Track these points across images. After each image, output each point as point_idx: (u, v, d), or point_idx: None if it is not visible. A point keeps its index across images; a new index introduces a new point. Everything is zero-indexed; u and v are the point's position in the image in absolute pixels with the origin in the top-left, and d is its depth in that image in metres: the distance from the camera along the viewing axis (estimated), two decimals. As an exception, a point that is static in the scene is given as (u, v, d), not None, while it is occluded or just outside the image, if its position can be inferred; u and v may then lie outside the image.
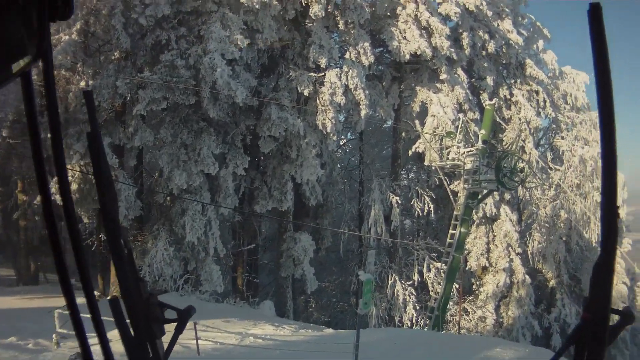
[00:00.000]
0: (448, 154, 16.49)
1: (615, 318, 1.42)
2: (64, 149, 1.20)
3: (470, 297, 21.59)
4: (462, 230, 15.99)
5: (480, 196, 16.74)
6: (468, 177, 16.01)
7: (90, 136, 1.32)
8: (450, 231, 16.30)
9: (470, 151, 16.00)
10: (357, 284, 10.54)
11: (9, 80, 0.91)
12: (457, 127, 17.48)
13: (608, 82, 1.16)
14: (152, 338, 1.44)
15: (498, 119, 19.24)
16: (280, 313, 19.64)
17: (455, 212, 16.31)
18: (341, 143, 25.51)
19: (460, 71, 20.70)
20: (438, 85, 20.16)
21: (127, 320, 1.37)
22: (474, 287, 21.97)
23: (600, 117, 1.16)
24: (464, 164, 15.93)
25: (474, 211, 17.74)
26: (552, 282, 24.14)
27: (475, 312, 21.18)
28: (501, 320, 22.01)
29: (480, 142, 16.17)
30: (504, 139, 20.74)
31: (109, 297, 1.48)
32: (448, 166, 16.71)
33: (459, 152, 16.16)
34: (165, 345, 1.48)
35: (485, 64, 21.44)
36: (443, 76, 19.75)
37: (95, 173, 1.36)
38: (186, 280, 17.96)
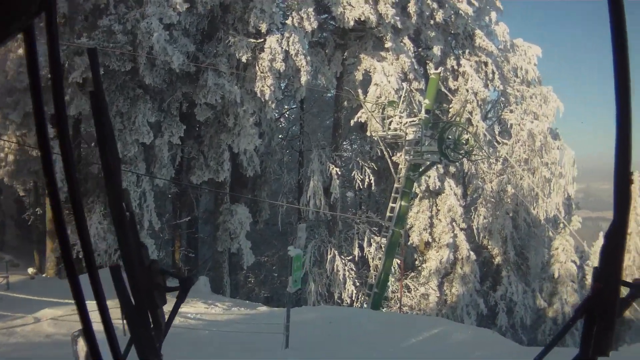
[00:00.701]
0: (390, 124, 16.46)
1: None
2: (65, 110, 1.23)
3: (412, 274, 21.85)
4: (403, 203, 15.97)
5: (422, 168, 16.74)
6: (410, 149, 15.98)
7: (93, 95, 1.32)
8: (391, 204, 16.28)
9: (413, 121, 15.95)
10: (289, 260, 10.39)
11: (11, 36, 0.94)
12: (400, 96, 17.46)
13: (625, 51, 1.18)
14: (153, 307, 1.44)
15: (444, 90, 19.30)
16: (217, 289, 19.51)
17: (396, 185, 16.28)
18: (282, 112, 25.35)
19: (406, 40, 20.74)
20: (383, 53, 20.17)
21: (128, 289, 1.36)
22: (416, 263, 22.22)
23: (616, 79, 1.19)
24: (406, 134, 15.90)
25: (415, 184, 17.86)
26: (498, 259, 24.69)
27: (417, 289, 21.47)
28: (445, 297, 22.42)
29: (423, 112, 16.14)
30: (450, 110, 20.91)
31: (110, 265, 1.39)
32: (389, 137, 16.65)
33: (401, 122, 16.13)
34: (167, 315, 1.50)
35: (433, 34, 21.49)
36: (388, 44, 19.76)
37: (97, 132, 1.34)
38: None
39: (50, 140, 1.14)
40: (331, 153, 20.61)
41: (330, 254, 19.88)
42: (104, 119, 1.32)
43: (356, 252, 20.33)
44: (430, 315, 20.79)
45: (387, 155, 17.33)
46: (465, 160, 19.08)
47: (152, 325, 1.42)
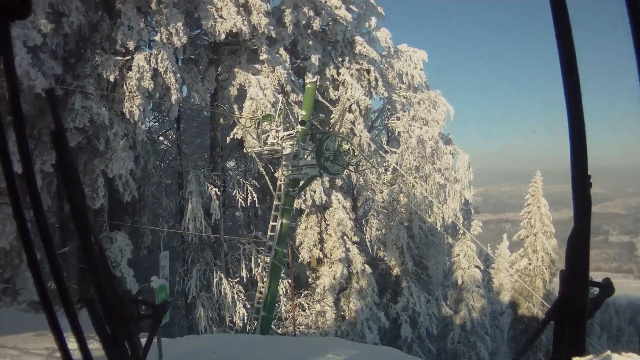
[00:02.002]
0: (266, 138, 16.62)
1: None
2: (30, 151, 1.40)
3: (306, 292, 22.42)
4: (284, 221, 16.15)
5: (301, 183, 16.90)
6: (288, 163, 16.16)
7: (54, 134, 1.41)
8: (271, 223, 16.41)
9: (290, 134, 16.16)
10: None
11: None
12: (277, 110, 17.78)
13: (573, 59, 1.29)
14: (129, 336, 1.55)
15: (323, 100, 20.08)
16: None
17: (275, 202, 16.44)
18: (159, 133, 25.52)
19: (282, 51, 21.35)
20: (258, 66, 20.67)
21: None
22: (309, 280, 22.80)
23: (566, 88, 1.30)
24: (283, 148, 16.07)
25: (296, 200, 18.42)
26: (396, 270, 25.75)
27: (312, 306, 22.08)
28: (343, 314, 23.14)
29: (299, 123, 16.46)
30: (331, 121, 21.68)
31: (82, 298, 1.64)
32: (266, 152, 16.77)
33: (277, 137, 16.29)
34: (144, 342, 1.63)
35: (311, 43, 22.28)
36: (263, 56, 20.20)
37: (61, 171, 1.43)
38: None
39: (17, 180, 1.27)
40: (209, 173, 20.94)
41: (217, 277, 20.21)
42: (67, 157, 1.41)
43: (244, 273, 20.73)
44: (326, 335, 21.44)
45: (263, 172, 17.66)
46: (348, 171, 19.82)
47: (129, 354, 1.53)
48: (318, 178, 18.86)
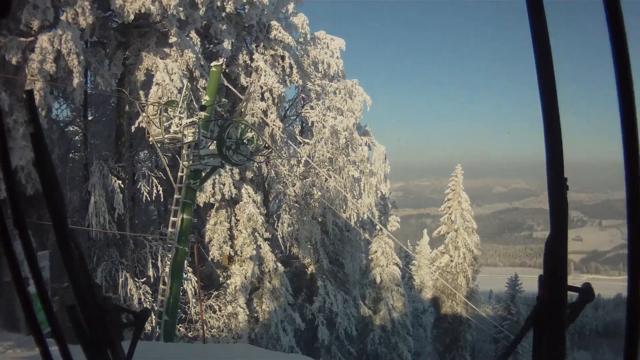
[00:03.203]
0: (169, 126, 16.16)
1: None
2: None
3: (216, 292, 22.13)
4: (185, 216, 15.63)
5: (203, 175, 16.44)
6: (189, 153, 15.61)
7: (34, 136, 1.38)
8: (172, 218, 15.88)
9: (193, 121, 15.61)
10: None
11: None
12: (182, 95, 17.32)
13: (548, 61, 1.30)
14: (111, 343, 1.55)
15: (234, 89, 19.81)
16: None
17: (175, 196, 15.80)
18: (67, 121, 24.65)
19: (193, 34, 21.06)
20: (167, 50, 20.31)
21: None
22: (221, 279, 22.56)
23: (541, 90, 1.32)
24: (184, 136, 15.53)
25: (205, 194, 18.18)
26: (311, 268, 25.87)
27: (224, 308, 21.83)
28: (256, 315, 23.06)
29: (199, 109, 15.96)
30: (242, 110, 21.46)
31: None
32: (167, 141, 16.20)
33: (180, 124, 15.74)
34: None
35: (224, 26, 22.06)
36: (173, 39, 19.90)
37: (40, 175, 1.43)
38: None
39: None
40: (114, 164, 20.42)
41: (122, 277, 19.74)
42: (46, 160, 1.43)
43: (151, 272, 20.32)
44: (239, 338, 21.36)
45: (164, 162, 17.29)
46: (257, 163, 19.69)
47: None
48: (222, 169, 18.61)
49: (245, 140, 15.24)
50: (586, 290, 1.60)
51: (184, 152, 15.91)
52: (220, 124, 16.02)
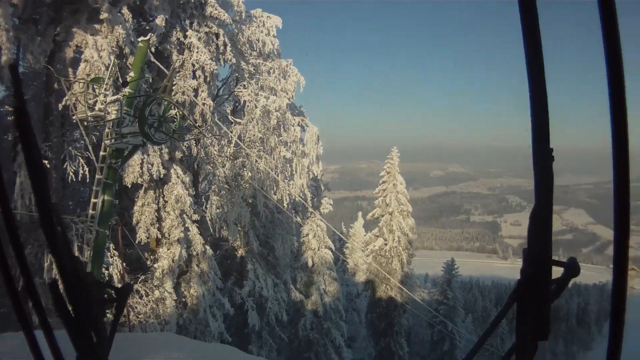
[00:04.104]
0: (95, 103, 15.87)
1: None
2: None
3: (144, 276, 22.13)
4: (106, 197, 15.37)
5: (125, 154, 16.10)
6: (111, 131, 15.37)
7: (16, 112, 1.39)
8: (92, 200, 15.58)
9: (117, 98, 15.48)
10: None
11: None
12: (109, 72, 17.21)
13: (535, 34, 1.33)
14: (93, 320, 1.59)
15: (158, 64, 19.82)
16: None
17: (97, 176, 15.52)
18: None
19: (125, 10, 20.92)
20: (97, 26, 20.16)
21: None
22: (148, 262, 22.65)
23: (528, 61, 1.34)
24: (108, 113, 15.41)
25: (132, 174, 18.12)
26: (241, 252, 26.17)
27: (151, 293, 21.85)
28: (184, 300, 23.23)
29: (128, 86, 15.74)
30: (167, 86, 21.37)
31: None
32: (91, 118, 15.90)
33: (105, 101, 15.62)
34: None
35: (157, 3, 21.93)
36: (104, 15, 19.78)
37: (24, 150, 1.44)
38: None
39: None
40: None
41: (47, 260, 19.56)
42: (29, 134, 1.43)
43: (77, 255, 20.19)
44: (167, 324, 21.46)
45: (87, 141, 17.20)
46: (186, 142, 19.70)
47: (94, 338, 1.60)
48: (145, 147, 18.58)
49: (168, 118, 15.31)
50: (571, 265, 1.60)
51: (106, 130, 15.69)
52: (142, 101, 15.44)
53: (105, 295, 1.75)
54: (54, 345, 1.60)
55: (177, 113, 15.74)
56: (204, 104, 21.88)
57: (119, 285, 1.75)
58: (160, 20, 21.57)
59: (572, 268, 1.59)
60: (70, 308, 1.58)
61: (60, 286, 1.61)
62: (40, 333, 1.64)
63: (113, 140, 15.39)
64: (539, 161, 1.42)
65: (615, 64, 1.28)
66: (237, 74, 25.99)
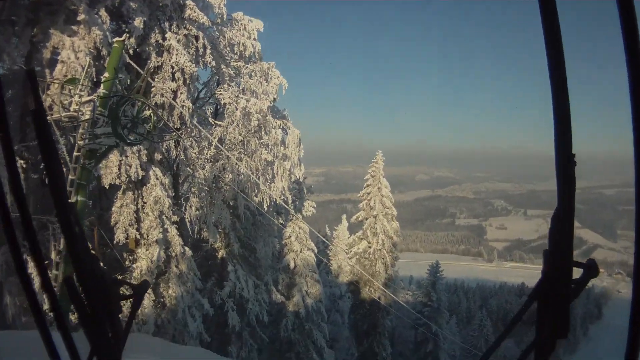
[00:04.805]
0: (69, 104, 15.92)
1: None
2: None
3: (121, 277, 21.93)
4: (80, 198, 15.38)
5: (99, 154, 16.13)
6: (85, 132, 15.40)
7: (35, 113, 1.43)
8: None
9: (92, 99, 15.54)
10: None
11: None
12: (84, 72, 17.09)
13: (558, 40, 1.34)
14: (110, 316, 1.62)
15: (134, 65, 19.73)
16: None
17: (70, 177, 15.39)
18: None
19: (103, 12, 20.83)
20: (75, 27, 20.07)
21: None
22: (127, 263, 22.49)
23: (550, 68, 1.35)
24: (82, 114, 15.42)
25: (110, 175, 17.97)
26: (221, 253, 26.05)
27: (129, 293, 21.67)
28: (163, 300, 23.10)
29: (102, 87, 15.82)
30: (141, 86, 21.26)
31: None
32: (65, 119, 15.86)
33: (80, 102, 15.66)
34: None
35: (136, 5, 21.86)
36: (81, 17, 19.69)
37: (41, 151, 1.46)
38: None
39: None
40: (17, 144, 20.07)
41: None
42: (47, 136, 1.46)
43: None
44: (145, 324, 21.38)
45: (61, 142, 17.06)
46: (165, 144, 19.54)
47: (110, 335, 1.61)
48: (124, 149, 18.53)
49: (142, 119, 15.31)
50: (591, 266, 1.62)
51: (80, 130, 15.68)
52: (115, 101, 15.49)
53: (122, 292, 1.77)
54: (70, 342, 1.61)
55: (152, 114, 15.61)
56: (182, 106, 21.77)
57: (136, 282, 1.77)
58: (138, 22, 21.45)
59: (591, 269, 1.62)
60: (86, 304, 1.60)
61: (77, 283, 1.62)
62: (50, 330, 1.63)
63: (87, 141, 15.43)
64: (562, 165, 1.46)
65: (635, 70, 1.28)
66: (217, 77, 25.86)
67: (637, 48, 1.27)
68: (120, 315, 1.78)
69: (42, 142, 1.50)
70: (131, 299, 1.82)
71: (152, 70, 20.86)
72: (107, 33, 20.67)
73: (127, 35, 19.09)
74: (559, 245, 1.56)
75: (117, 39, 16.95)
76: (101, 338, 1.62)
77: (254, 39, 27.36)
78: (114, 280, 1.72)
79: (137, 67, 19.48)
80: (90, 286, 1.61)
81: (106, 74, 16.14)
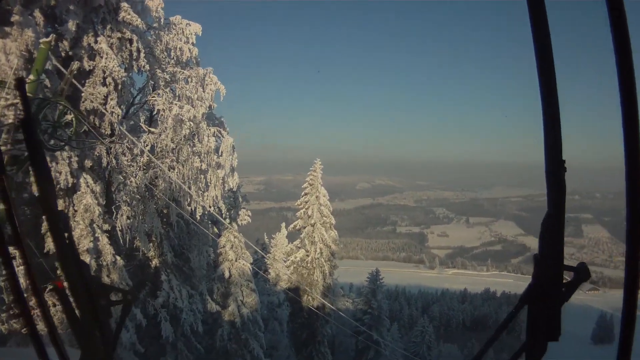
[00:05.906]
0: None
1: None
2: None
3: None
4: (1, 207, 14.92)
5: (21, 160, 15.64)
6: (7, 137, 14.15)
7: (24, 122, 1.46)
8: None
9: (13, 102, 14.75)
10: None
11: None
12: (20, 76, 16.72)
13: (549, 52, 1.35)
14: (99, 322, 1.62)
15: (56, 63, 19.32)
16: None
17: None
18: None
19: (38, 13, 20.45)
20: (8, 29, 19.69)
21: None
22: (58, 272, 21.94)
23: (540, 77, 1.35)
24: (4, 118, 14.74)
25: (15, 180, 17.45)
26: (155, 262, 25.75)
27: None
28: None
29: (26, 89, 15.36)
30: (63, 89, 20.75)
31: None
32: None
33: (4, 105, 14.72)
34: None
35: (71, 7, 21.46)
36: (15, 18, 19.32)
37: (31, 160, 1.48)
38: None
39: None
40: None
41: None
42: (37, 145, 1.52)
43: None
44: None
45: (-18, 148, 16.65)
46: (96, 151, 19.16)
47: (100, 339, 1.64)
48: (54, 155, 18.21)
49: (63, 124, 14.66)
50: (581, 270, 1.64)
51: (2, 136, 14.76)
52: (35, 104, 15.19)
53: (113, 298, 1.84)
54: (61, 348, 1.69)
55: (74, 119, 15.25)
56: (112, 112, 21.38)
57: (126, 288, 1.85)
58: (71, 25, 21.04)
59: (581, 273, 1.64)
60: (76, 310, 1.68)
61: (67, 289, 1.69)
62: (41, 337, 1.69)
63: (8, 147, 14.98)
64: (552, 171, 1.48)
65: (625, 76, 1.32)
66: (153, 82, 25.46)
67: (628, 50, 1.31)
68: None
69: (31, 152, 1.59)
70: (120, 305, 1.89)
71: (75, 72, 20.32)
72: (40, 35, 20.29)
73: (54, 36, 18.66)
74: (550, 250, 1.60)
75: (43, 40, 16.51)
76: (91, 343, 1.69)
77: (192, 44, 26.93)
78: (102, 287, 1.81)
79: (62, 69, 19.00)
80: (79, 292, 1.69)
81: (31, 76, 15.70)
